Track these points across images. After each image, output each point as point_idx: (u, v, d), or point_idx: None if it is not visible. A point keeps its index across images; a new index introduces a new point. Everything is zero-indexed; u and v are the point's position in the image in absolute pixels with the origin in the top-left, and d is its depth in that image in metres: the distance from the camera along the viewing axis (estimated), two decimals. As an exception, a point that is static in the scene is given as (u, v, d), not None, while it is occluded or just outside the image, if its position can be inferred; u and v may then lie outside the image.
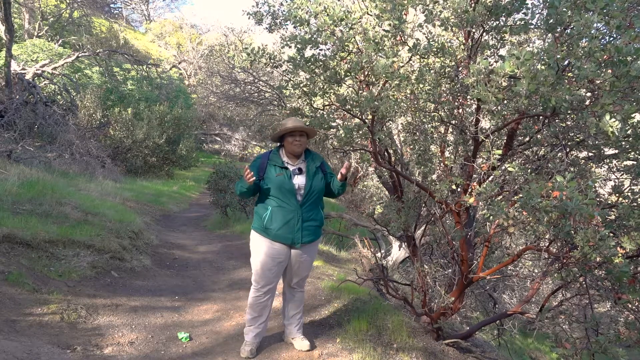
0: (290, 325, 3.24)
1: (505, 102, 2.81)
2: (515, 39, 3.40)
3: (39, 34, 18.10)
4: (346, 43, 2.93)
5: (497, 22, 3.01)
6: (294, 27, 3.30)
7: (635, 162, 2.90)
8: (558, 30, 2.41)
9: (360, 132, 3.27)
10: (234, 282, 4.85)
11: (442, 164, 3.50)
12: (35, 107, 10.96)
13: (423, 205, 4.10)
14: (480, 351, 4.01)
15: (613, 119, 1.96)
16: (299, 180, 2.91)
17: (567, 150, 2.86)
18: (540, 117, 2.86)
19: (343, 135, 3.22)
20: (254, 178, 2.76)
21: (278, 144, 3.09)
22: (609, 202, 2.90)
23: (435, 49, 3.06)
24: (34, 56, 14.09)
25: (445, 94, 3.25)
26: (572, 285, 2.92)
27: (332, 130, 3.95)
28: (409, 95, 3.20)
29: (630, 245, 2.31)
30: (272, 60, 3.53)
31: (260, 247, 2.95)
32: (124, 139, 13.07)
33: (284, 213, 2.87)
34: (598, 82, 2.13)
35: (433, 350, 3.50)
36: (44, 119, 10.76)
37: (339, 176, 2.86)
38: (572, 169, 2.87)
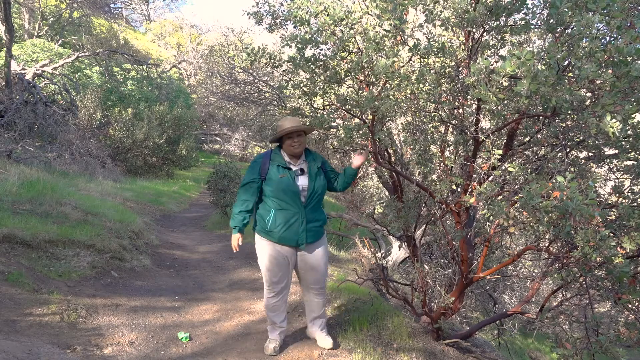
0: (314, 326, 3.24)
1: (505, 102, 2.81)
2: (516, 39, 3.40)
3: (39, 34, 18.09)
4: (346, 43, 2.92)
5: (498, 22, 3.01)
6: (294, 27, 3.29)
7: (635, 162, 2.90)
8: (559, 30, 2.41)
9: (360, 132, 3.27)
10: (234, 282, 4.85)
11: (442, 164, 3.50)
12: (35, 107, 10.96)
13: (423, 205, 4.10)
14: (480, 351, 4.01)
15: (614, 119, 1.96)
16: (302, 182, 2.91)
17: (568, 150, 2.86)
18: (541, 117, 2.85)
19: (343, 135, 3.21)
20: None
21: (277, 144, 3.09)
22: (609, 202, 2.90)
23: (435, 49, 3.05)
24: (34, 56, 14.08)
25: (445, 94, 3.24)
26: (572, 285, 2.91)
27: (332, 130, 3.95)
28: (409, 95, 3.19)
29: (630, 245, 2.31)
30: (272, 60, 3.52)
31: (265, 250, 2.95)
32: (124, 139, 13.05)
33: (288, 215, 2.86)
34: (598, 82, 2.13)
35: (433, 351, 3.50)
36: (44, 119, 10.77)
37: (354, 164, 2.99)
38: (572, 169, 2.87)
